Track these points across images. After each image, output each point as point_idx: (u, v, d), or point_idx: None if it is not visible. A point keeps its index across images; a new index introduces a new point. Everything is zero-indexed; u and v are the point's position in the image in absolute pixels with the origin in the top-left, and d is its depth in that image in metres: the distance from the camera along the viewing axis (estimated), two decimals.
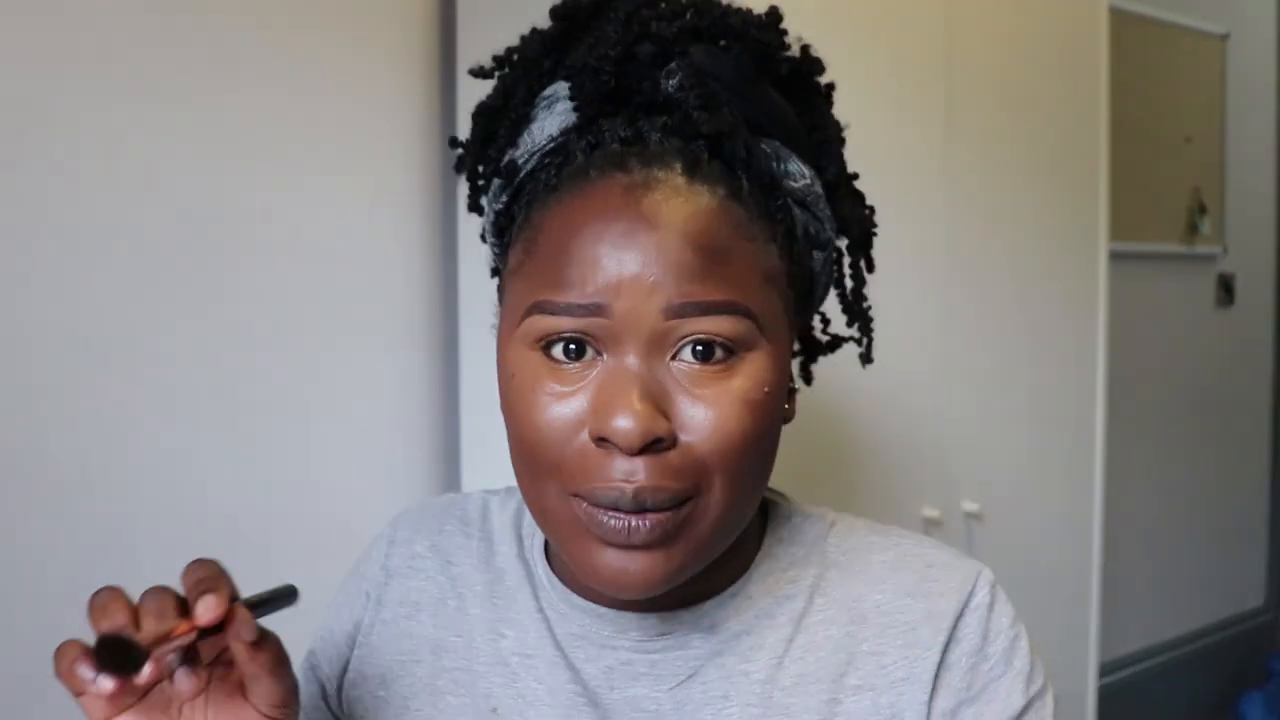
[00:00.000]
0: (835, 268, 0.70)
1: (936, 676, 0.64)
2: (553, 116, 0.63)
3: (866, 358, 0.72)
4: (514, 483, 0.64)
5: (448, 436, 1.38)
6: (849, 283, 0.72)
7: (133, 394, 1.17)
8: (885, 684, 0.64)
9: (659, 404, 0.57)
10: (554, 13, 0.65)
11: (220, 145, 1.21)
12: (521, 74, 0.66)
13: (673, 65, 0.61)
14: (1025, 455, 1.79)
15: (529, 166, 0.64)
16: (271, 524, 1.26)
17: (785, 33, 0.65)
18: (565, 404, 0.58)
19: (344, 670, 0.74)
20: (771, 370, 0.60)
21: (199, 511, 1.22)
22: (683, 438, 0.58)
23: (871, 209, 0.72)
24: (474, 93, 1.54)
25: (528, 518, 0.74)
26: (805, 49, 0.67)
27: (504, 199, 0.66)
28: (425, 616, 0.72)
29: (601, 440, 0.57)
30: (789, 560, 0.69)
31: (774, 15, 0.65)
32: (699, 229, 0.57)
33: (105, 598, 0.52)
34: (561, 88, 0.63)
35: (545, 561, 0.71)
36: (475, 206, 0.71)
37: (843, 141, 0.69)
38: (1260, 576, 3.28)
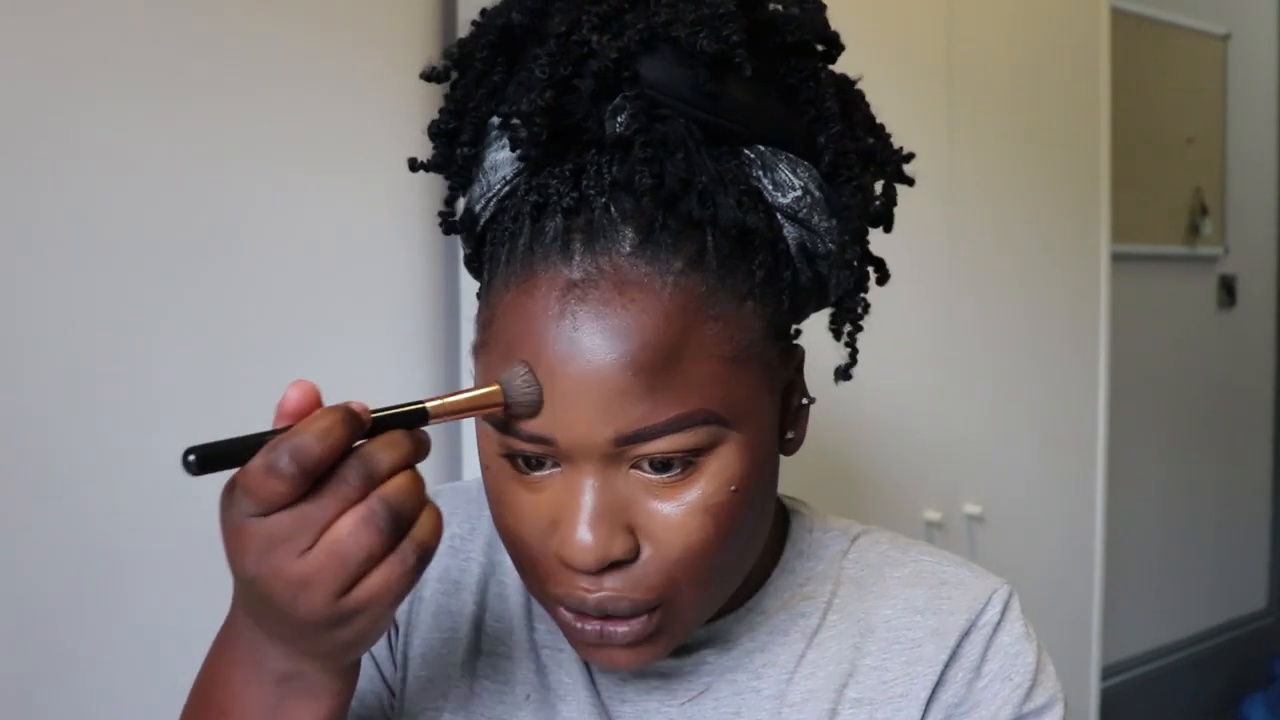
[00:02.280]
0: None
1: (932, 695, 0.63)
2: (503, 152, 0.59)
3: (844, 372, 0.66)
4: None
5: (448, 436, 1.38)
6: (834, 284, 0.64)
7: (130, 393, 1.16)
8: (884, 699, 0.64)
9: (619, 518, 0.55)
10: (489, 19, 0.59)
11: (218, 144, 1.20)
12: (471, 88, 0.60)
13: (619, 100, 0.55)
14: (1027, 457, 1.79)
15: (486, 215, 0.61)
16: None
17: (744, 15, 0.57)
18: (533, 510, 0.57)
19: (389, 641, 0.71)
20: (741, 462, 0.56)
21: (198, 511, 1.21)
22: (646, 548, 0.55)
23: (881, 196, 0.64)
24: None
25: None
26: (769, 19, 0.59)
27: (469, 246, 0.63)
28: (467, 595, 0.70)
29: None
30: (806, 575, 0.68)
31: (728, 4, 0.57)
32: (644, 342, 0.52)
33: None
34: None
35: None
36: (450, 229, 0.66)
37: (849, 103, 0.62)
38: (1262, 579, 3.27)
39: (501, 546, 0.71)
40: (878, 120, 0.66)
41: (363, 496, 0.47)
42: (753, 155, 0.59)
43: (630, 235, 0.54)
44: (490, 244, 0.60)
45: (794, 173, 0.59)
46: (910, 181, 0.67)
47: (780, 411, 0.61)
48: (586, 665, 0.67)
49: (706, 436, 0.54)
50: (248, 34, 1.22)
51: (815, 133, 0.60)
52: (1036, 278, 1.81)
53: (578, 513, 0.54)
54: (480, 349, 0.58)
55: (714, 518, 0.55)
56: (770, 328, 0.58)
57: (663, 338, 0.53)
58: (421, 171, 0.64)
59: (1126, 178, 2.12)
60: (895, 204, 0.65)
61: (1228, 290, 3.02)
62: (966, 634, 0.64)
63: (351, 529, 0.46)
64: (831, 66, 0.64)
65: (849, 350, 0.66)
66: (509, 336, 0.55)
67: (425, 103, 1.33)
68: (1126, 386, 2.31)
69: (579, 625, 0.57)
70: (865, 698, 0.64)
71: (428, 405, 0.51)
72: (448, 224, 0.64)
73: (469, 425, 1.41)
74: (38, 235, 1.11)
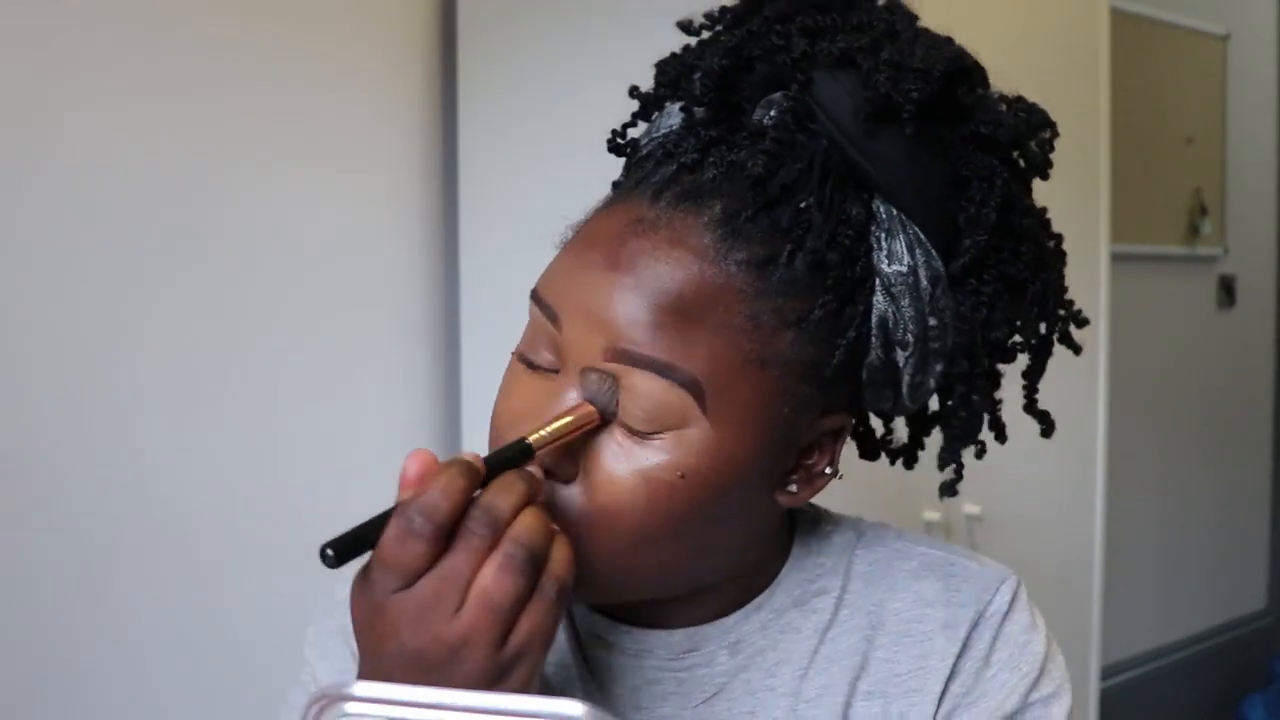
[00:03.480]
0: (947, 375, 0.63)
1: (945, 688, 0.64)
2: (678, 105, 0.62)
3: (948, 489, 0.65)
4: None
5: (448, 436, 1.38)
6: (915, 384, 0.61)
7: (129, 392, 1.16)
8: (897, 693, 0.64)
9: (573, 440, 0.56)
10: None
11: (219, 144, 1.20)
12: (701, 43, 0.62)
13: (778, 95, 0.57)
14: (1026, 457, 1.79)
15: (642, 152, 0.63)
16: (271, 524, 1.26)
17: (944, 82, 0.56)
18: (520, 397, 0.59)
19: None
20: (700, 455, 0.55)
21: (197, 511, 1.21)
22: (580, 481, 0.56)
23: (1023, 334, 0.62)
24: (474, 92, 1.54)
25: None
26: (970, 102, 0.58)
27: (624, 172, 0.65)
28: None
29: None
30: (817, 571, 0.68)
31: (937, 54, 0.56)
32: (667, 289, 0.54)
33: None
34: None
35: None
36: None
37: (1022, 229, 0.61)
38: (1261, 579, 3.27)
39: None
40: (1064, 270, 0.64)
41: (495, 544, 0.48)
42: (883, 212, 0.58)
43: (716, 210, 0.56)
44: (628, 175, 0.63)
45: (910, 250, 0.58)
46: (1077, 349, 0.66)
47: (790, 460, 0.60)
48: (595, 679, 0.67)
49: (680, 402, 0.54)
50: (249, 34, 1.21)
51: (964, 233, 0.59)
52: None
53: (538, 415, 0.56)
54: (561, 243, 0.61)
55: (649, 490, 0.55)
56: (805, 370, 0.57)
57: (685, 297, 0.54)
58: (636, 99, 0.66)
59: (1126, 178, 2.12)
60: (1043, 353, 0.65)
61: (1227, 290, 3.02)
62: (976, 625, 0.65)
63: (494, 577, 0.48)
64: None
65: (953, 467, 0.65)
66: (578, 237, 0.59)
67: (426, 103, 1.33)
68: (1126, 386, 2.31)
69: None
70: (878, 690, 0.64)
71: (530, 439, 0.54)
72: (613, 144, 0.66)
73: (468, 430, 1.41)
74: (33, 232, 1.11)
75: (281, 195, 1.24)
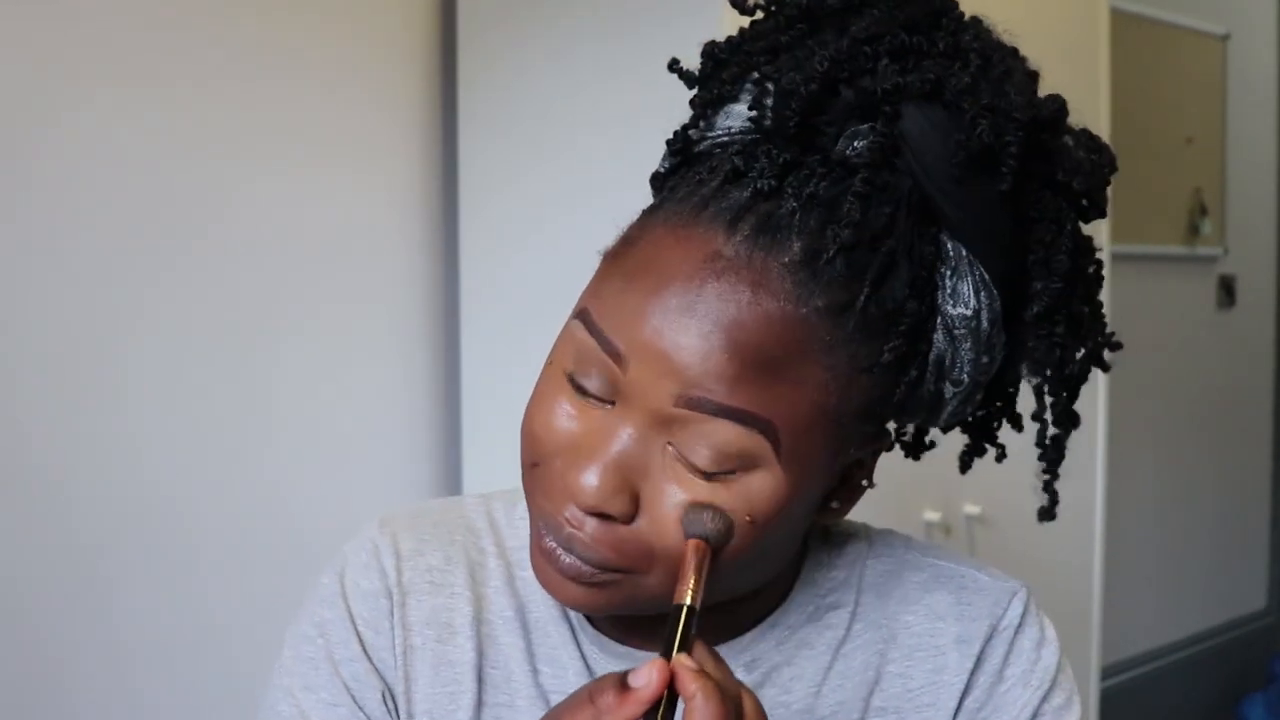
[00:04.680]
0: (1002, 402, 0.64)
1: (959, 704, 0.64)
2: (746, 106, 0.58)
3: (1047, 512, 0.66)
4: (515, 484, 0.61)
5: (448, 436, 1.38)
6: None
7: (130, 392, 1.16)
8: (911, 708, 0.64)
9: (633, 478, 0.54)
10: None
11: (221, 143, 1.20)
12: (760, 34, 0.59)
13: (865, 127, 0.54)
14: (1027, 457, 1.79)
15: (697, 150, 0.60)
16: (270, 524, 1.26)
17: (1032, 130, 0.54)
18: (568, 424, 0.56)
19: (384, 698, 0.63)
20: (769, 499, 0.54)
21: (197, 512, 1.21)
22: (642, 520, 0.54)
23: (1088, 358, 0.62)
24: (474, 90, 1.54)
25: None
26: (1052, 149, 0.57)
27: (667, 165, 0.62)
28: (462, 639, 0.64)
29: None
30: (829, 586, 0.67)
31: (1031, 98, 0.55)
32: (752, 340, 0.52)
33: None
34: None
35: None
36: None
37: (1085, 270, 0.61)
38: (1261, 579, 3.27)
39: (484, 577, 0.67)
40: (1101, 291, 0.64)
41: None
42: (951, 251, 0.57)
43: (796, 250, 0.53)
44: (681, 175, 0.59)
45: (976, 292, 0.57)
46: (1106, 367, 0.65)
47: (835, 482, 0.60)
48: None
49: (753, 448, 0.53)
50: (250, 34, 1.22)
51: (1033, 276, 0.58)
52: None
53: (600, 452, 0.54)
54: (611, 256, 0.58)
55: None
56: (869, 408, 0.56)
57: (766, 349, 0.52)
58: (677, 75, 0.61)
59: (1126, 178, 2.11)
60: (1085, 380, 0.64)
61: (1227, 290, 3.02)
62: (989, 639, 0.65)
63: None
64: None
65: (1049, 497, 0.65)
66: (640, 263, 0.55)
67: (426, 103, 1.33)
68: (1126, 386, 2.31)
69: (545, 539, 0.56)
70: (891, 705, 0.64)
71: (690, 604, 0.52)
72: (674, 146, 0.61)
73: (468, 430, 1.40)
74: (32, 232, 1.11)
75: (281, 195, 1.24)
